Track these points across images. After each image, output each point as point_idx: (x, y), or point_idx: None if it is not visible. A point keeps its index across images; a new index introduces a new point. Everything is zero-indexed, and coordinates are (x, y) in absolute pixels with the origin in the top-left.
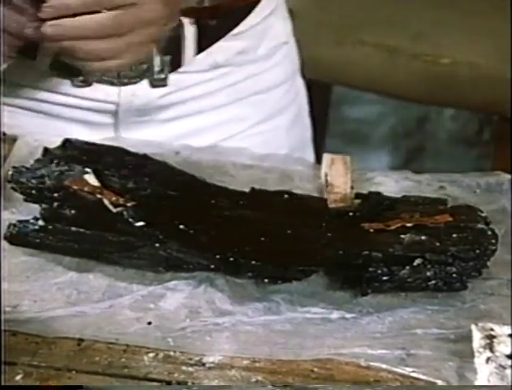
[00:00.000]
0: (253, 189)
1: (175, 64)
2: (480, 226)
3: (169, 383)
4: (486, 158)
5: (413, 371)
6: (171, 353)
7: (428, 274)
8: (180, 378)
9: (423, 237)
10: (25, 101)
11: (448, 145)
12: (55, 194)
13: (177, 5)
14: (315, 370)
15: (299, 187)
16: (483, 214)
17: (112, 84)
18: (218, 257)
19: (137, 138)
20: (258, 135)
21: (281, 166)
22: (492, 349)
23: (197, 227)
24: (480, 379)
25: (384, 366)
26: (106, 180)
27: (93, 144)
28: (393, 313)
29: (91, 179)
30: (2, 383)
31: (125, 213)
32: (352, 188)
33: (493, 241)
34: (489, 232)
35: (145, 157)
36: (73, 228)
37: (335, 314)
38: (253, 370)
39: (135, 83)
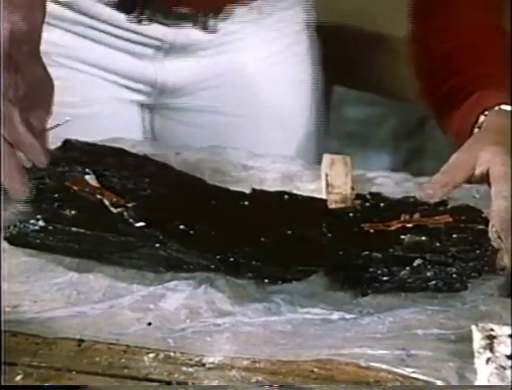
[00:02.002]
0: (253, 189)
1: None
2: (480, 226)
3: (169, 383)
4: None
5: (413, 372)
6: (171, 354)
7: (428, 274)
8: (180, 378)
9: (423, 238)
10: (76, 26)
11: (448, 145)
12: (56, 195)
13: None
14: (315, 370)
15: (299, 187)
16: (484, 215)
17: (163, 24)
18: (218, 257)
19: (136, 139)
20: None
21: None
22: (492, 350)
23: (197, 227)
24: (480, 380)
25: (384, 366)
26: (107, 181)
27: (94, 145)
28: (393, 313)
29: (91, 179)
30: (2, 384)
31: (125, 213)
32: (352, 188)
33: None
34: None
35: (145, 158)
36: (73, 229)
37: (335, 315)
38: (254, 370)
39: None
